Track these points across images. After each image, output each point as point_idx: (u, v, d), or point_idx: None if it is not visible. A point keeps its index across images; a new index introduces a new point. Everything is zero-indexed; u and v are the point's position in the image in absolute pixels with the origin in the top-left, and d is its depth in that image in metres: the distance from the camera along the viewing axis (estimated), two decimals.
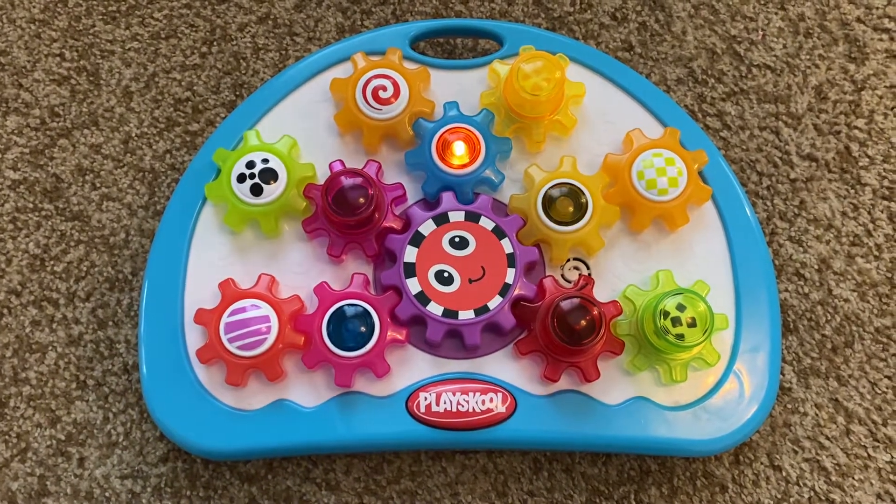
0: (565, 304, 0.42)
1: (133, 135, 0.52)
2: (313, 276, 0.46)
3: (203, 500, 0.46)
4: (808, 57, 0.54)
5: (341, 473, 0.47)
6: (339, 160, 0.47)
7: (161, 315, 0.45)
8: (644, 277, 0.46)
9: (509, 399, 0.44)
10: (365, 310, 0.43)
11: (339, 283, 0.46)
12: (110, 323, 0.49)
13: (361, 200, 0.44)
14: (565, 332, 0.42)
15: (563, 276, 0.46)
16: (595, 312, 0.42)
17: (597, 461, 0.47)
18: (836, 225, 0.51)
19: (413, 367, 0.44)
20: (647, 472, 0.47)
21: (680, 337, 0.42)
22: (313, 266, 0.46)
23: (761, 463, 0.47)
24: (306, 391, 0.44)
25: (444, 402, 0.43)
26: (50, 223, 0.51)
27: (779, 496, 0.46)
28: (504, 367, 0.45)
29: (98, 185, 0.51)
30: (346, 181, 0.44)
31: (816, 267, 0.50)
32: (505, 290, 0.44)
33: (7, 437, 0.47)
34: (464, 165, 0.46)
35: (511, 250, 0.44)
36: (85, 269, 0.50)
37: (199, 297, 0.45)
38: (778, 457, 0.47)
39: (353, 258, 0.46)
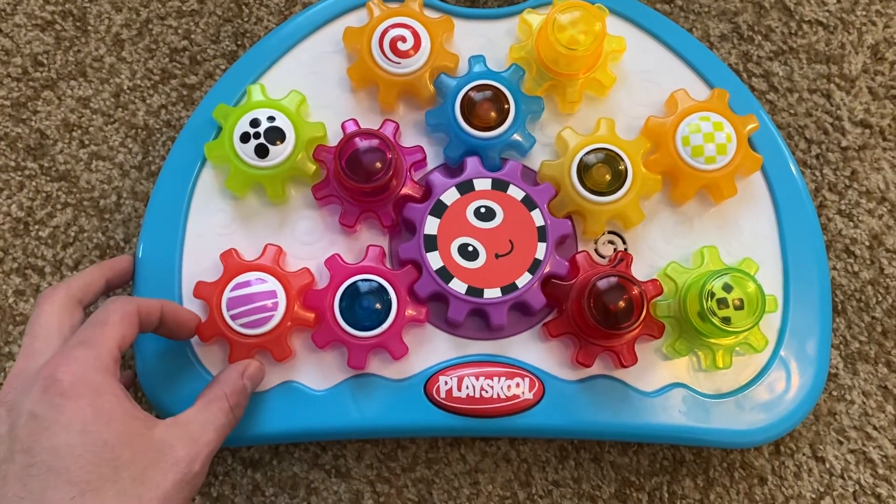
0: (603, 284, 0.38)
1: (125, 87, 0.48)
2: (323, 248, 0.42)
3: (203, 486, 0.42)
4: (864, 13, 0.50)
5: (352, 460, 0.43)
6: (353, 119, 0.42)
7: (156, 287, 0.41)
8: (685, 254, 0.42)
9: (537, 384, 0.40)
10: (381, 286, 0.39)
11: (351, 255, 0.42)
12: None
13: (378, 165, 0.39)
14: (602, 314, 0.38)
15: (596, 250, 0.42)
16: (635, 292, 0.38)
17: (627, 450, 0.44)
18: (891, 198, 0.47)
19: (432, 348, 0.41)
20: (680, 463, 0.44)
21: (726, 320, 0.38)
22: (323, 236, 0.42)
23: (803, 454, 0.44)
24: (316, 372, 0.40)
25: (467, 387, 0.40)
26: (34, 183, 0.46)
27: (821, 489, 0.43)
28: (531, 349, 0.41)
29: (86, 142, 0.47)
30: (362, 143, 0.40)
31: (868, 243, 0.46)
32: (535, 266, 0.40)
33: None
34: (491, 127, 0.41)
35: (542, 223, 0.40)
36: (73, 234, 0.46)
37: (199, 269, 0.41)
38: (821, 447, 0.44)
39: (368, 228, 0.42)
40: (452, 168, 0.42)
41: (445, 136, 0.42)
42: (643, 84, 0.44)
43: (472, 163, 0.41)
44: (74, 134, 0.47)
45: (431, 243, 0.40)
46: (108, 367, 0.33)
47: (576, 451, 0.44)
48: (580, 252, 0.41)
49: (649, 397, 0.40)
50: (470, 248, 0.40)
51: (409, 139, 0.43)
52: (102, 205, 0.46)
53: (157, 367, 0.40)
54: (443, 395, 0.40)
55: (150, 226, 0.42)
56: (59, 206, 0.46)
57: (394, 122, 0.42)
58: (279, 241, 0.41)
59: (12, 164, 0.46)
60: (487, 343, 0.41)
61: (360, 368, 0.39)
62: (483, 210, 0.41)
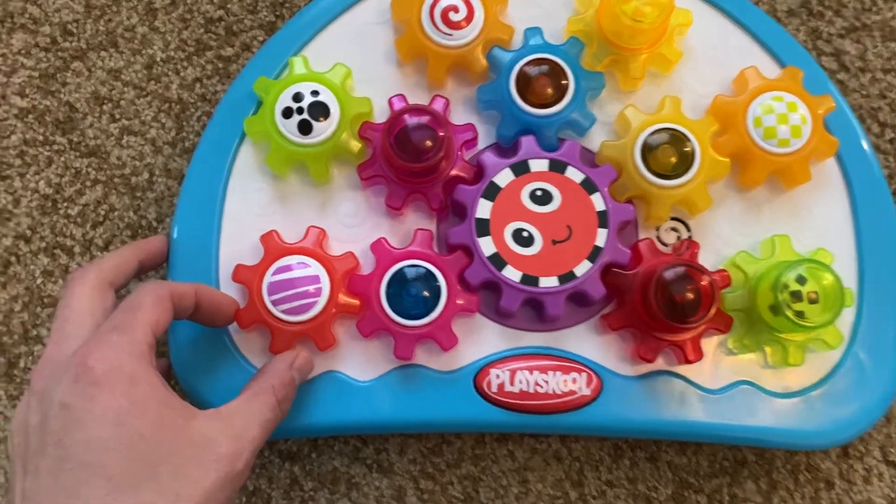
0: (671, 274, 0.35)
1: (157, 59, 0.45)
2: (367, 231, 0.39)
3: None
4: None
5: (395, 454, 0.41)
6: (401, 95, 0.40)
7: (192, 270, 0.39)
8: (752, 242, 0.40)
9: (595, 380, 0.38)
10: (430, 272, 0.37)
11: (397, 239, 0.39)
12: None
13: (429, 143, 0.37)
14: (670, 307, 0.35)
15: (658, 238, 0.40)
16: (706, 284, 0.35)
17: (685, 450, 0.41)
18: None
19: (482, 339, 0.38)
20: (742, 464, 0.41)
21: (800, 314, 0.36)
22: (367, 218, 0.40)
23: (873, 457, 0.41)
24: (360, 363, 0.38)
25: (520, 382, 0.37)
26: (63, 159, 0.44)
27: (892, 495, 0.40)
28: (587, 342, 0.39)
29: (117, 116, 0.45)
30: (411, 120, 0.37)
31: None
32: (595, 254, 0.37)
33: (17, 402, 0.41)
34: (547, 104, 0.38)
35: (603, 207, 0.38)
36: (103, 213, 0.43)
37: (236, 251, 0.39)
38: (893, 451, 0.41)
39: (414, 211, 0.40)
40: (505, 148, 0.40)
41: (498, 113, 0.40)
42: (709, 60, 0.41)
43: (527, 142, 0.38)
44: (105, 107, 0.45)
45: (483, 228, 0.38)
46: (144, 353, 0.31)
47: (631, 450, 0.41)
48: (643, 239, 0.38)
49: (713, 395, 0.38)
50: (525, 234, 0.38)
51: (458, 117, 0.40)
52: (134, 182, 0.44)
53: (192, 356, 0.38)
54: (494, 389, 0.37)
55: (185, 205, 0.40)
56: (88, 184, 0.44)
57: (444, 98, 0.39)
58: (321, 223, 0.39)
59: (40, 138, 0.44)
60: (541, 335, 0.39)
61: (408, 359, 0.37)
62: (539, 193, 0.38)
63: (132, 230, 0.43)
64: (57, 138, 0.44)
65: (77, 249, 0.43)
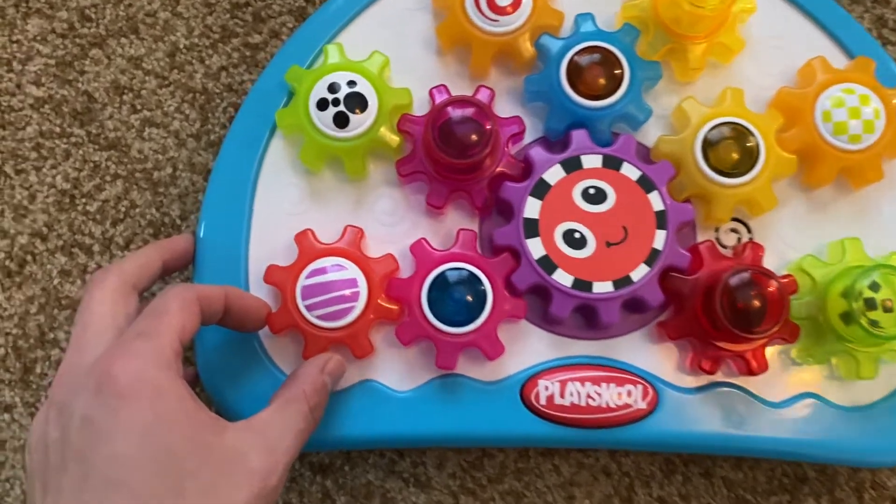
0: (737, 280, 0.33)
1: (181, 46, 0.43)
2: (406, 230, 0.37)
3: None
4: None
5: (433, 468, 0.39)
6: (442, 85, 0.37)
7: (219, 272, 0.36)
8: (818, 245, 0.37)
9: (651, 392, 0.35)
10: (474, 275, 0.34)
11: (437, 239, 0.37)
12: None
13: (474, 138, 0.34)
14: (736, 316, 0.33)
15: (717, 240, 0.37)
16: (774, 290, 0.33)
17: (742, 465, 0.39)
18: None
19: (529, 347, 0.36)
20: (802, 480, 0.39)
21: (874, 323, 0.33)
22: (406, 217, 0.37)
23: None
24: (398, 371, 0.36)
25: (571, 394, 0.35)
26: (81, 152, 0.42)
27: None
28: (641, 351, 0.36)
29: (138, 107, 0.42)
30: (456, 112, 0.35)
31: None
32: (653, 257, 0.35)
33: (33, 409, 0.39)
34: (601, 96, 0.36)
35: (661, 207, 0.35)
36: (123, 209, 0.41)
37: (267, 252, 0.36)
38: None
39: (455, 209, 0.37)
40: (553, 143, 0.37)
41: (545, 106, 0.37)
42: (771, 50, 0.39)
43: (578, 137, 0.36)
44: (125, 97, 0.42)
45: (532, 228, 0.35)
46: (170, 362, 0.28)
47: (684, 465, 0.39)
48: (703, 242, 0.36)
49: (776, 408, 0.36)
50: (577, 235, 0.35)
51: (501, 109, 0.38)
52: (156, 177, 0.41)
53: (220, 362, 0.36)
54: (543, 401, 0.35)
55: (211, 202, 0.37)
56: (108, 178, 0.41)
57: (489, 88, 0.37)
58: (357, 222, 0.36)
59: (57, 129, 0.42)
60: (592, 343, 0.36)
61: (450, 369, 0.35)
62: (592, 191, 0.35)
63: (154, 228, 0.41)
64: (75, 130, 0.42)
65: (96, 248, 0.41)
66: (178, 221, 0.41)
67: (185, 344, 0.30)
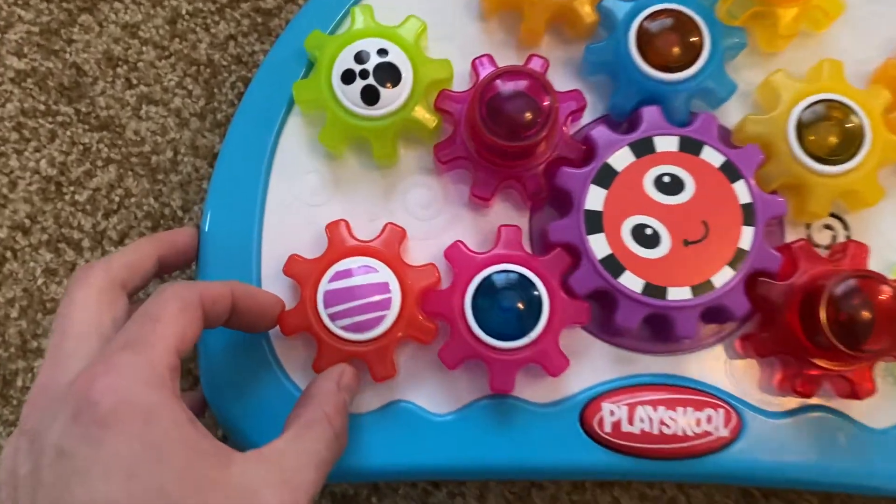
0: (844, 288, 0.28)
1: (182, 12, 0.37)
2: (443, 224, 0.32)
3: None
4: None
5: (473, 500, 0.34)
6: (487, 55, 0.32)
7: (227, 271, 0.31)
8: None
9: (734, 418, 0.30)
10: (525, 278, 0.29)
11: (480, 237, 0.31)
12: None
13: (529, 116, 0.29)
14: (844, 331, 0.27)
15: (809, 237, 0.32)
16: (888, 300, 0.28)
17: (833, 499, 0.34)
18: None
19: (589, 363, 0.31)
20: None
21: None
22: (443, 210, 0.32)
23: None
24: (436, 391, 0.31)
25: (641, 420, 0.30)
26: (69, 133, 0.36)
27: None
28: (721, 369, 0.31)
29: (134, 81, 0.37)
30: (507, 86, 0.29)
31: None
32: (738, 258, 0.29)
33: (13, 428, 0.34)
34: (676, 67, 0.30)
35: (748, 199, 0.30)
36: (117, 199, 0.36)
37: (282, 248, 0.31)
38: None
39: (500, 200, 0.32)
40: (619, 122, 0.32)
41: (609, 79, 0.32)
42: (870, 17, 0.33)
43: (650, 115, 0.30)
44: (119, 71, 0.37)
45: (595, 223, 0.30)
46: (164, 379, 0.23)
47: (764, 498, 0.34)
48: (797, 241, 0.30)
49: (880, 436, 0.30)
50: (648, 231, 0.30)
51: (555, 85, 0.32)
52: (155, 162, 0.36)
53: (223, 372, 0.31)
54: (608, 428, 0.30)
55: (218, 190, 0.32)
56: (99, 163, 0.36)
57: (542, 57, 0.31)
58: (385, 216, 0.31)
59: (42, 107, 0.37)
60: (662, 359, 0.31)
61: (508, 391, 0.29)
62: (667, 179, 0.30)
63: (153, 220, 0.36)
64: (62, 108, 0.37)
65: (86, 243, 0.36)
66: (180, 213, 0.36)
67: (183, 355, 0.25)
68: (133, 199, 0.36)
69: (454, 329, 0.29)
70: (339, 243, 0.30)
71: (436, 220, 0.32)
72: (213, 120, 0.37)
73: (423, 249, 0.31)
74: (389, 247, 0.30)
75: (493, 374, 0.29)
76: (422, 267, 0.30)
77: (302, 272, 0.29)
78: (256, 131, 0.32)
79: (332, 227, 0.30)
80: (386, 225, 0.30)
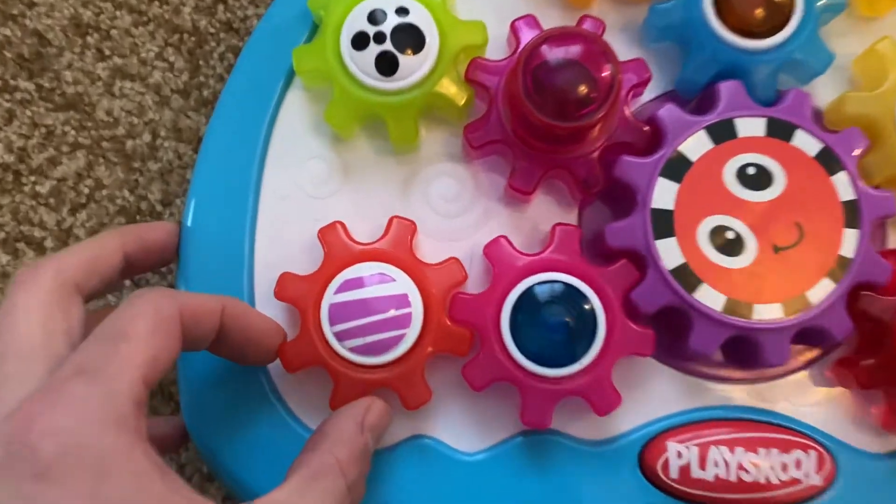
0: None
1: None
2: (473, 223, 0.27)
3: None
4: None
5: None
6: (530, 16, 0.26)
7: (212, 277, 0.26)
8: None
9: (827, 461, 0.25)
10: (578, 292, 0.24)
11: (519, 237, 0.26)
12: (127, 283, 0.30)
13: (585, 90, 0.23)
14: None
15: None
16: None
17: None
18: None
19: (650, 391, 0.26)
20: None
21: None
22: (474, 204, 0.27)
23: None
24: (464, 425, 0.25)
25: (715, 463, 0.24)
26: (29, 113, 0.31)
27: None
28: (809, 401, 0.25)
29: (107, 52, 0.31)
30: (557, 52, 0.24)
31: None
32: (840, 268, 0.24)
33: None
34: (762, 33, 0.25)
35: (851, 195, 0.24)
36: (86, 191, 0.31)
37: (280, 252, 0.26)
38: None
39: (543, 193, 0.27)
40: (687, 100, 0.26)
41: (677, 47, 0.26)
42: None
43: (730, 91, 0.25)
44: (89, 40, 0.31)
45: (665, 224, 0.24)
46: (126, 418, 0.19)
47: None
48: None
49: None
50: (730, 235, 0.24)
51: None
52: (130, 147, 0.31)
53: (212, 407, 0.26)
54: (674, 473, 0.24)
55: (204, 180, 0.27)
56: (65, 149, 0.31)
57: (597, 19, 0.26)
58: (405, 211, 0.26)
59: None
60: (739, 388, 0.26)
61: (543, 427, 0.24)
62: (752, 171, 0.24)
63: (127, 216, 0.30)
64: (20, 83, 0.31)
65: (49, 243, 0.30)
66: (160, 207, 0.31)
67: (153, 384, 0.20)
68: (104, 192, 0.30)
69: (485, 343, 0.24)
70: (338, 250, 0.24)
71: (463, 218, 0.26)
72: (199, 97, 0.31)
73: (446, 251, 0.26)
74: (399, 245, 0.24)
75: (526, 405, 0.23)
76: (443, 264, 0.24)
77: (298, 292, 0.24)
78: (249, 109, 0.27)
79: (326, 233, 0.25)
80: (391, 220, 0.25)
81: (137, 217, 0.30)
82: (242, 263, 0.26)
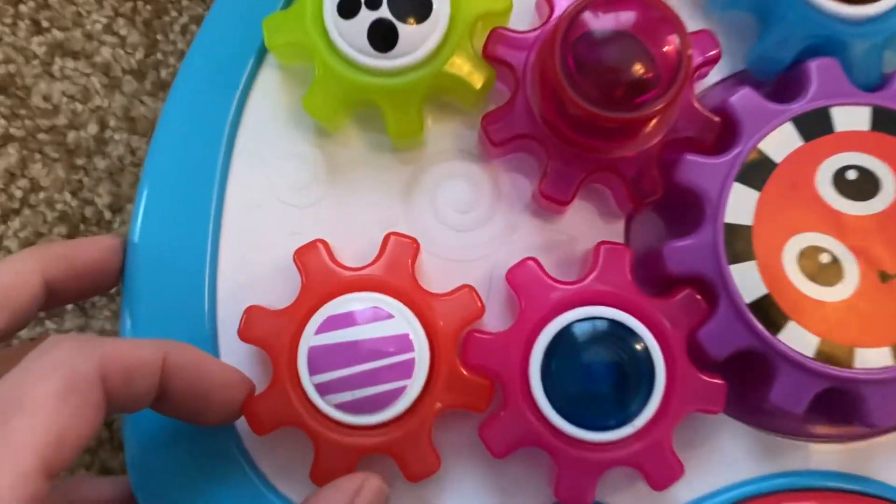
0: None
1: None
2: (491, 239, 0.21)
3: None
4: None
5: None
6: None
7: (163, 307, 0.21)
8: None
9: None
10: (630, 332, 0.18)
11: (553, 257, 0.21)
12: (69, 308, 0.24)
13: (640, 71, 0.18)
14: None
15: None
16: None
17: None
18: None
19: (717, 453, 0.20)
20: None
21: None
22: (492, 216, 0.21)
23: None
24: (479, 494, 0.20)
25: None
26: None
27: None
28: None
29: (45, 23, 0.26)
30: (604, 21, 0.18)
31: None
32: None
33: None
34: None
35: None
36: (19, 193, 0.25)
37: (248, 274, 0.21)
38: None
39: (581, 201, 0.21)
40: (762, 82, 0.21)
41: (754, 15, 0.21)
42: None
43: (823, 72, 0.19)
44: (22, 8, 0.26)
45: (741, 244, 0.19)
46: None
47: None
48: None
49: None
50: (825, 259, 0.19)
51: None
52: (73, 140, 0.25)
53: (165, 473, 0.20)
54: None
55: (154, 184, 0.22)
56: None
57: None
58: (406, 225, 0.21)
59: None
60: (827, 448, 0.20)
61: (585, 503, 0.19)
62: (853, 175, 0.19)
63: (69, 224, 0.25)
64: None
65: None
66: (108, 214, 0.25)
67: (60, 469, 0.15)
68: (42, 194, 0.25)
69: (509, 397, 0.19)
70: (318, 279, 0.19)
71: (480, 233, 0.21)
72: (157, 79, 0.26)
73: (458, 276, 0.20)
74: (398, 270, 0.19)
75: (561, 478, 0.18)
76: (454, 294, 0.19)
77: (270, 333, 0.19)
78: (211, 94, 0.22)
79: (304, 255, 0.19)
80: (387, 237, 0.19)
81: (81, 226, 0.25)
82: (202, 291, 0.21)
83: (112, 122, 0.26)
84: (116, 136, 0.25)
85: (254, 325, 0.19)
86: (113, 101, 0.26)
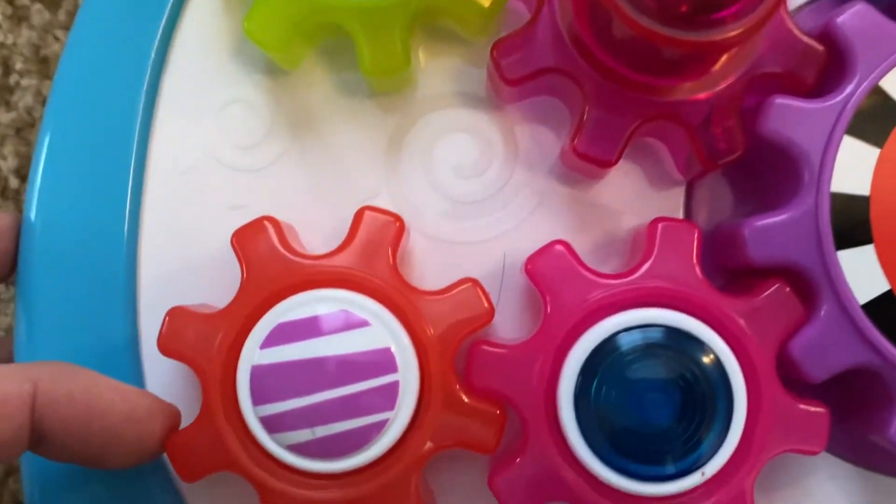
0: None
1: None
2: (504, 213, 0.16)
3: None
4: None
5: None
6: None
7: (71, 306, 0.16)
8: None
9: None
10: (698, 343, 0.13)
11: (589, 240, 0.16)
12: None
13: None
14: None
15: None
16: None
17: None
18: None
19: (812, 495, 0.15)
20: None
21: None
22: (508, 183, 0.16)
23: None
24: None
25: None
26: None
27: None
28: None
29: None
30: None
31: None
32: None
33: None
34: None
35: None
36: None
37: (179, 265, 0.16)
38: None
39: (627, 159, 0.16)
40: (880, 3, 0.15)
41: None
42: None
43: None
44: None
45: (854, 222, 0.14)
46: None
47: None
48: None
49: None
50: None
51: None
52: None
53: None
54: None
55: (57, 143, 0.17)
56: None
57: None
58: (388, 195, 0.16)
59: None
60: None
61: None
62: None
63: None
64: None
65: None
66: (15, 181, 0.20)
67: None
68: None
69: (530, 433, 0.14)
70: (264, 270, 0.14)
71: (488, 205, 0.16)
72: (74, 7, 0.20)
73: (459, 266, 0.16)
74: (376, 257, 0.14)
75: None
76: (452, 290, 0.14)
77: (198, 344, 0.14)
78: (129, 21, 0.16)
79: (244, 239, 0.14)
80: (360, 212, 0.14)
81: None
82: (118, 281, 0.16)
83: (18, 65, 0.20)
84: (24, 82, 0.20)
85: (178, 333, 0.14)
86: (19, 37, 0.20)
